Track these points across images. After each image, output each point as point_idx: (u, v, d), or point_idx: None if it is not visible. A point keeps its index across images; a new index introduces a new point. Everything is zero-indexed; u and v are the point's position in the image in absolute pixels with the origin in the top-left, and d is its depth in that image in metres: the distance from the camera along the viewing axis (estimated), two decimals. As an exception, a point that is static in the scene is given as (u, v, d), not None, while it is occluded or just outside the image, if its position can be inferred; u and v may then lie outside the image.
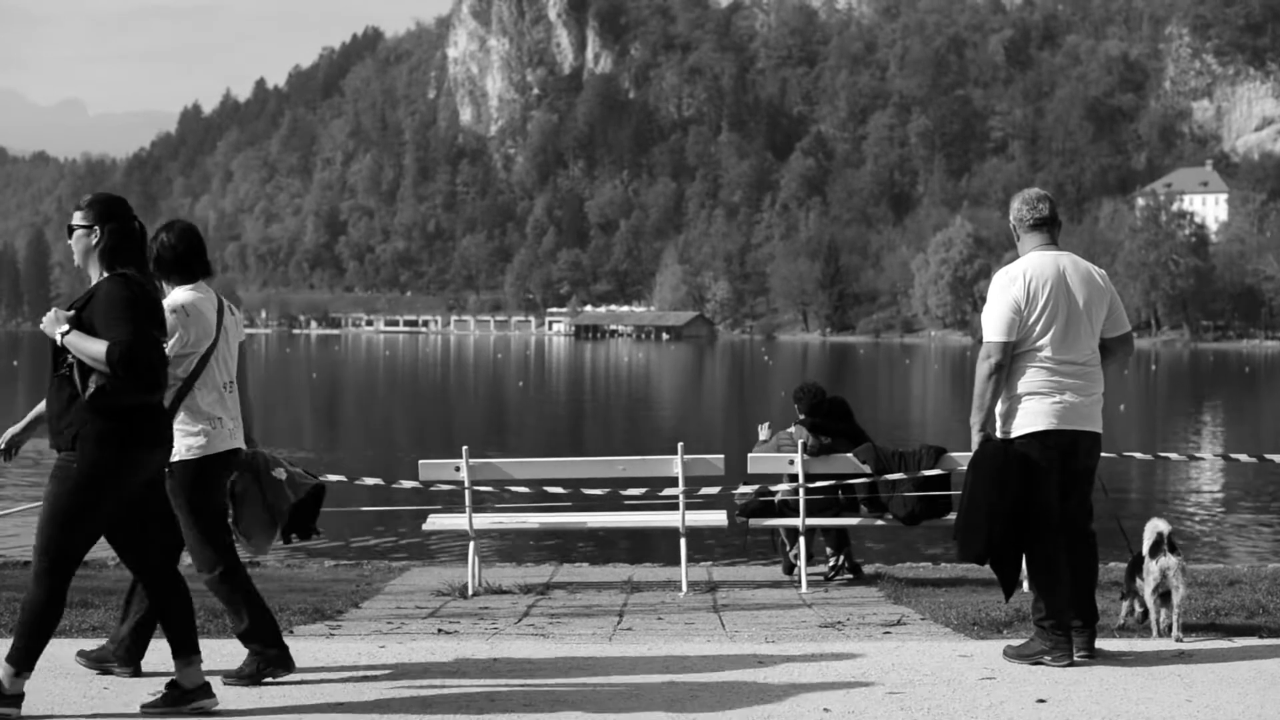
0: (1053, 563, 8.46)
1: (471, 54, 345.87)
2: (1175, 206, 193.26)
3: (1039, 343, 8.50)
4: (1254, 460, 11.01)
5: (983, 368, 8.48)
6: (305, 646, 8.94)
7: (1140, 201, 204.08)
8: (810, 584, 12.43)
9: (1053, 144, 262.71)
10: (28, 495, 23.86)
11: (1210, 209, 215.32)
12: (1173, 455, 11.65)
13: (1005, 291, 8.56)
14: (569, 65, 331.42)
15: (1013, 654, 8.40)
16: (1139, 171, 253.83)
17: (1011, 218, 8.87)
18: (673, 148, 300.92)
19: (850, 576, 13.02)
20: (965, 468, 8.76)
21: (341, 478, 11.59)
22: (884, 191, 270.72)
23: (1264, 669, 8.06)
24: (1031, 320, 8.49)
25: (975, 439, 8.51)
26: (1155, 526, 9.17)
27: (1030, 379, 8.51)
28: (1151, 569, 9.03)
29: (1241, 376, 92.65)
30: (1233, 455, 11.36)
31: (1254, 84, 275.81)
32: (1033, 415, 8.50)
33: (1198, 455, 13.73)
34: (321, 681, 7.84)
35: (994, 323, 8.52)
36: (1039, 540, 8.48)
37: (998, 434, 8.52)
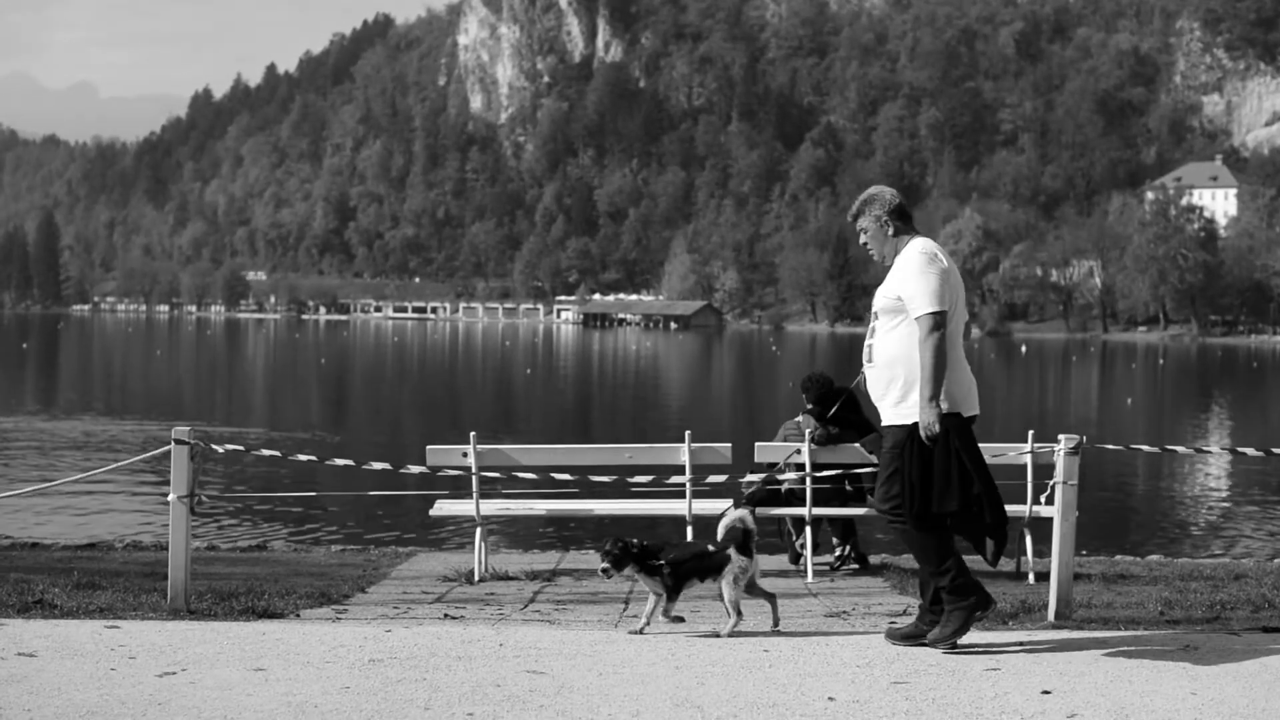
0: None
1: (482, 41, 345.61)
2: (1184, 201, 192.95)
3: (951, 326, 8.51)
4: (1261, 454, 10.98)
5: (934, 338, 8.33)
6: (311, 630, 8.96)
7: (1149, 195, 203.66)
8: (816, 573, 12.46)
9: (1062, 137, 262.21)
10: (34, 477, 23.93)
11: (1219, 203, 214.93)
12: (1179, 448, 11.61)
13: (934, 264, 8.50)
14: (579, 53, 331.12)
15: (944, 639, 8.46)
16: (1148, 165, 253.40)
17: (878, 211, 8.82)
18: (682, 137, 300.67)
19: (856, 566, 13.05)
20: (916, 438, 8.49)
21: (349, 462, 11.59)
22: (893, 183, 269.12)
23: (1269, 664, 8.06)
24: (954, 301, 8.52)
25: (933, 412, 8.34)
26: (741, 518, 9.10)
27: (959, 364, 8.56)
28: (736, 563, 8.97)
29: (1249, 371, 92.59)
30: (1240, 449, 11.34)
31: (1264, 79, 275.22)
32: (961, 398, 8.57)
33: (1204, 449, 13.70)
34: (327, 664, 7.86)
35: (934, 293, 8.41)
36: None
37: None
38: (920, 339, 8.38)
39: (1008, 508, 12.66)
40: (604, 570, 8.99)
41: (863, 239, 8.94)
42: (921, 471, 8.42)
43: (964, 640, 8.47)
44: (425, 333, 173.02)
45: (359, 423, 42.13)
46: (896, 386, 8.56)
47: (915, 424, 8.43)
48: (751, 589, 9.08)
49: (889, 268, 8.79)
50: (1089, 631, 9.17)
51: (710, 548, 9.03)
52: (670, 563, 8.99)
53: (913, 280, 8.46)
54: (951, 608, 8.50)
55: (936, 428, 8.33)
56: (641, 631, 8.92)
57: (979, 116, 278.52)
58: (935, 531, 8.52)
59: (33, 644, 8.26)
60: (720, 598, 9.01)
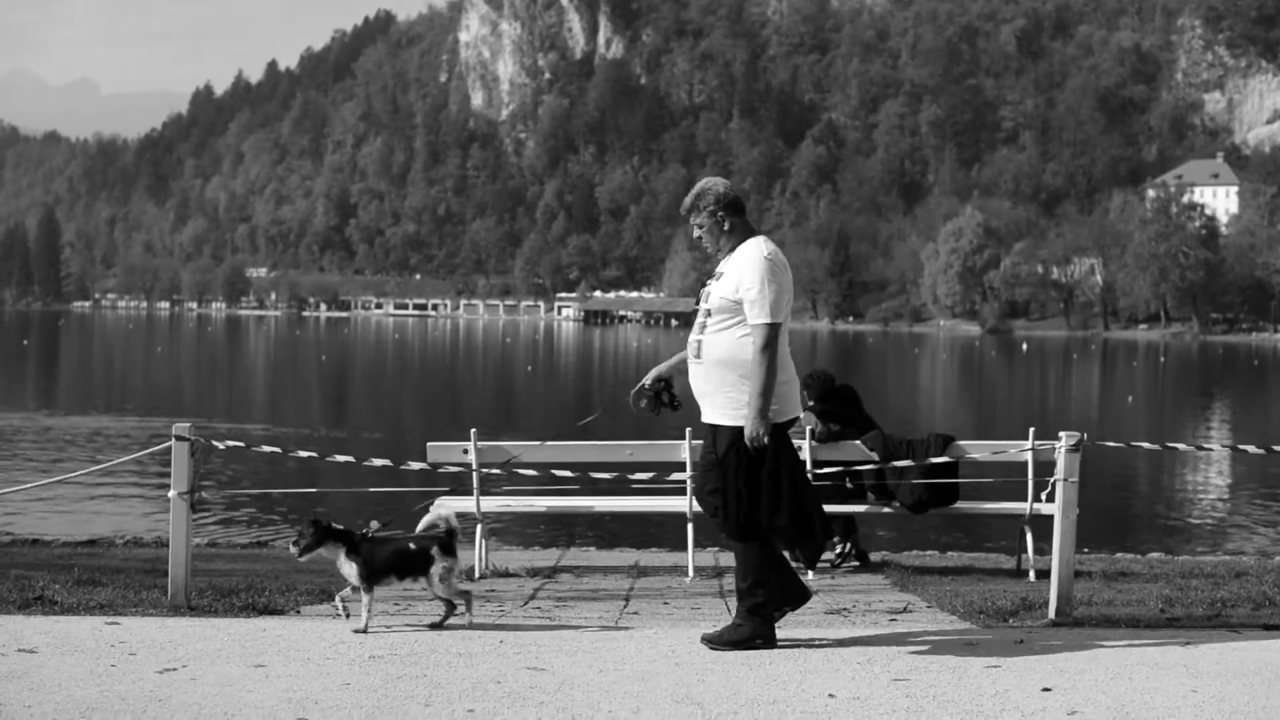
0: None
1: (483, 38, 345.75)
2: (1186, 198, 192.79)
3: (785, 328, 8.56)
4: (1261, 452, 10.97)
5: (770, 351, 8.36)
6: (312, 627, 8.96)
7: (1151, 193, 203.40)
8: (817, 571, 12.45)
9: (1064, 134, 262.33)
10: (35, 473, 23.92)
11: (1221, 201, 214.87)
12: (1180, 446, 11.61)
13: (776, 273, 8.48)
14: (580, 50, 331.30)
15: (721, 640, 8.47)
16: (1150, 163, 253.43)
17: (712, 204, 8.75)
18: (683, 134, 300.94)
19: (857, 564, 13.04)
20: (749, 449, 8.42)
21: (349, 458, 11.59)
22: (894, 180, 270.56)
23: (1270, 661, 8.06)
24: (786, 304, 8.55)
25: (763, 425, 8.33)
26: (442, 516, 9.03)
27: (787, 365, 8.59)
28: (441, 562, 8.92)
29: (1250, 369, 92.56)
30: (1240, 447, 11.33)
31: (1266, 76, 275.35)
32: (793, 400, 8.64)
33: (1205, 446, 13.67)
34: (328, 660, 7.86)
35: (775, 304, 8.41)
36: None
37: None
38: (757, 349, 8.37)
39: (1008, 505, 12.79)
40: (293, 544, 9.04)
41: (696, 233, 8.87)
42: (749, 482, 8.43)
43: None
44: (426, 330, 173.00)
45: (359, 419, 42.11)
46: (726, 387, 8.54)
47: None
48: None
49: (719, 261, 8.77)
50: (1089, 629, 9.17)
51: (411, 545, 8.95)
52: (367, 555, 8.94)
53: (754, 287, 8.42)
54: (743, 622, 8.52)
55: (765, 440, 8.35)
56: (365, 629, 8.85)
57: (980, 114, 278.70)
58: (759, 548, 8.56)
59: (33, 640, 8.26)
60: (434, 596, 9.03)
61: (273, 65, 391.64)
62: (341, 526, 9.05)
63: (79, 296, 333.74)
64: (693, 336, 8.72)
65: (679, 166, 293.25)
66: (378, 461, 11.68)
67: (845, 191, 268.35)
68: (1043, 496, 11.83)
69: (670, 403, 9.10)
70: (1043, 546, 11.91)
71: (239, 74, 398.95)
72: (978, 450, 12.58)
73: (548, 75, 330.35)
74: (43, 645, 8.13)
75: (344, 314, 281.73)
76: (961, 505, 12.84)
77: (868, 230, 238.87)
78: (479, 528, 12.30)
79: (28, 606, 9.46)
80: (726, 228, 8.73)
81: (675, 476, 12.49)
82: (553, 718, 6.71)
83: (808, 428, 12.61)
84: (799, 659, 8.04)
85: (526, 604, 10.48)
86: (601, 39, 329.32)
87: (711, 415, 8.60)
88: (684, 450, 12.32)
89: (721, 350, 8.52)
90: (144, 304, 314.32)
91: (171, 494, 9.89)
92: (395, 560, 8.88)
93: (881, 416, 14.17)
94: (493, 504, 12.78)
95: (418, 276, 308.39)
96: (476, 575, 12.03)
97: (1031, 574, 12.24)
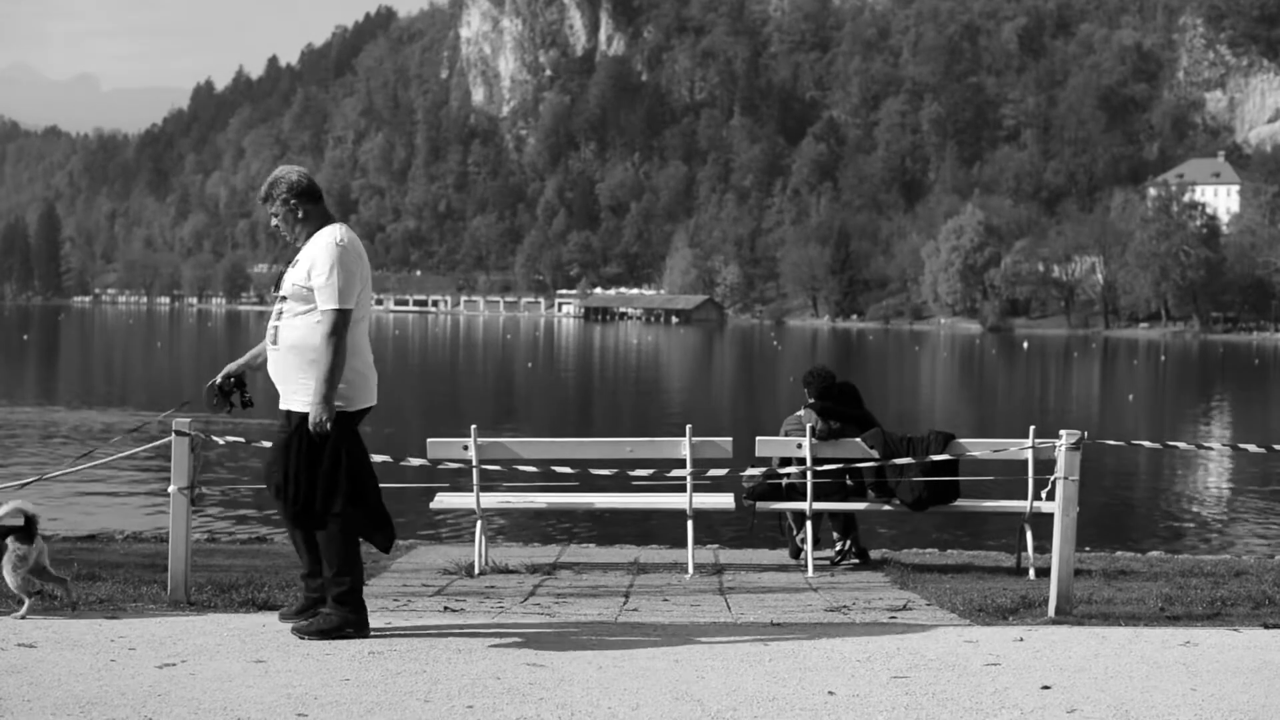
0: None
1: (484, 34, 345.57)
2: (1187, 197, 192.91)
3: (360, 314, 8.59)
4: (1262, 451, 10.97)
5: (336, 338, 8.36)
6: (312, 622, 8.96)
7: (1152, 192, 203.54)
8: (816, 568, 12.44)
9: (1065, 133, 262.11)
10: (34, 468, 23.90)
11: (1222, 200, 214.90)
12: (1180, 444, 11.61)
13: (347, 260, 8.50)
14: (582, 47, 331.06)
15: (310, 630, 8.51)
16: (1151, 162, 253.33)
17: (285, 193, 8.74)
18: (684, 131, 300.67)
19: (856, 561, 13.03)
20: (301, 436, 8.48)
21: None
22: (895, 178, 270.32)
23: (1270, 660, 8.06)
24: (360, 292, 8.55)
25: (326, 411, 8.33)
26: (19, 507, 8.90)
27: (362, 352, 8.63)
28: (14, 550, 8.85)
29: (1251, 368, 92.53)
30: (1241, 445, 11.33)
31: (1267, 75, 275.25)
32: (367, 390, 8.67)
33: (1206, 445, 13.68)
34: (328, 656, 7.86)
35: (342, 291, 8.41)
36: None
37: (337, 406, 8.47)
38: (323, 335, 8.40)
39: (1008, 503, 12.79)
40: None
41: (274, 222, 8.86)
42: (309, 468, 8.46)
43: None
44: (426, 326, 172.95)
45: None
46: (299, 373, 8.54)
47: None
48: (42, 574, 9.04)
49: (299, 249, 8.76)
50: (1089, 627, 9.17)
51: None
52: None
53: (324, 274, 8.45)
54: (331, 610, 8.55)
55: (328, 426, 8.37)
56: None
57: (981, 112, 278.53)
58: (342, 537, 8.56)
59: (33, 635, 8.27)
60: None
61: (274, 61, 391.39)
62: None
63: (79, 291, 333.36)
64: (270, 323, 8.74)
65: (680, 163, 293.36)
66: (377, 457, 11.67)
67: (846, 189, 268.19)
68: (1043, 494, 11.82)
69: (241, 400, 9.06)
70: (1043, 544, 11.91)
71: (240, 70, 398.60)
72: (978, 448, 12.57)
73: (549, 72, 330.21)
74: (42, 640, 8.14)
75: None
76: (961, 503, 12.83)
77: (868, 228, 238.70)
78: (479, 524, 12.28)
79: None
80: (301, 215, 8.74)
81: (676, 473, 12.48)
82: (552, 714, 6.71)
83: (808, 425, 12.60)
84: (798, 656, 8.04)
85: (526, 600, 10.47)
86: (603, 36, 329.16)
87: (287, 401, 8.63)
88: (684, 447, 12.30)
89: (295, 336, 8.55)
90: (144, 299, 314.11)
91: (171, 489, 9.89)
92: None
93: (882, 414, 14.16)
94: (493, 500, 12.78)
95: (418, 273, 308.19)
96: (476, 571, 12.03)
97: (1031, 572, 12.23)
